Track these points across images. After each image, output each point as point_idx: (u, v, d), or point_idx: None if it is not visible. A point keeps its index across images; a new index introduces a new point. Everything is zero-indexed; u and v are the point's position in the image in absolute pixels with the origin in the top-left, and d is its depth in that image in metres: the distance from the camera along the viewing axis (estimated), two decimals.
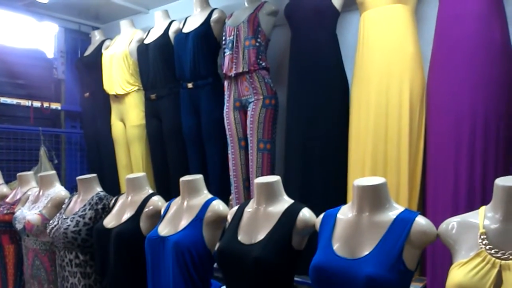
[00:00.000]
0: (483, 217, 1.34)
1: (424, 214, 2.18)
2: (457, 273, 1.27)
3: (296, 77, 2.59)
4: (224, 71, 2.78)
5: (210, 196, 2.03)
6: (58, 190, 2.62)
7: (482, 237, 1.30)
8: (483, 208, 1.38)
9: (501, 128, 2.00)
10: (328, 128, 2.47)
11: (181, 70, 3.02)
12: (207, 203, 1.96)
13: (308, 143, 2.49)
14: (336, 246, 1.50)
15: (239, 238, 1.74)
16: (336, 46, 2.53)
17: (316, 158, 2.47)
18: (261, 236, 1.70)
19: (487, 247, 1.27)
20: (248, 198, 2.74)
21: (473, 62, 2.01)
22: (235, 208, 1.90)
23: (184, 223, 1.94)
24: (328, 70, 2.48)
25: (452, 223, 1.41)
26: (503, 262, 1.22)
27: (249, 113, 2.71)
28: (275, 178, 1.81)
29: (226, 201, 2.83)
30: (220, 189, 2.89)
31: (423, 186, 2.22)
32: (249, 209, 1.83)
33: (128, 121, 3.40)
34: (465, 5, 2.03)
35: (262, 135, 2.67)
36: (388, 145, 2.24)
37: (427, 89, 2.21)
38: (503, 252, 1.24)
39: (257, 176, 2.64)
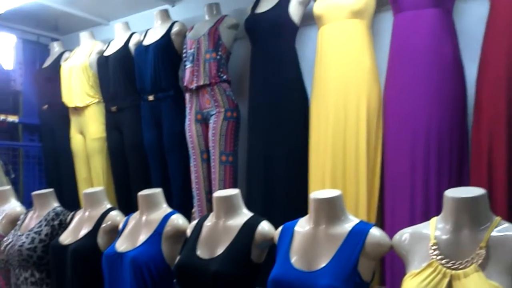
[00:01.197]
0: (434, 228, 1.38)
1: (382, 224, 2.23)
2: (409, 284, 1.30)
3: (256, 90, 2.60)
4: (185, 84, 2.77)
5: (169, 210, 2.01)
6: (14, 205, 2.55)
7: (433, 247, 1.33)
8: (434, 219, 1.42)
9: (454, 140, 2.06)
10: (289, 141, 2.48)
11: (141, 82, 3.00)
12: (166, 217, 1.94)
13: (270, 156, 2.51)
14: (294, 259, 1.52)
15: (198, 252, 1.73)
16: (295, 59, 2.56)
17: (277, 170, 2.48)
18: (220, 250, 1.69)
19: (438, 258, 1.31)
20: (211, 211, 2.69)
21: (427, 77, 2.06)
22: (194, 222, 1.89)
23: (142, 238, 1.91)
24: (287, 83, 2.50)
25: (404, 234, 1.44)
26: (453, 272, 1.26)
27: (210, 125, 2.70)
28: (234, 191, 1.81)
29: (189, 215, 2.80)
30: (183, 203, 2.86)
31: (382, 197, 2.26)
32: (208, 223, 1.82)
33: (88, 134, 3.34)
34: (418, 21, 2.09)
35: (224, 147, 2.67)
36: (347, 158, 2.28)
37: (384, 102, 2.26)
38: (453, 262, 1.28)
39: (219, 189, 2.63)
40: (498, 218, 1.33)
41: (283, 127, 2.49)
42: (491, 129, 1.92)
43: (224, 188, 2.62)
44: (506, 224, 1.32)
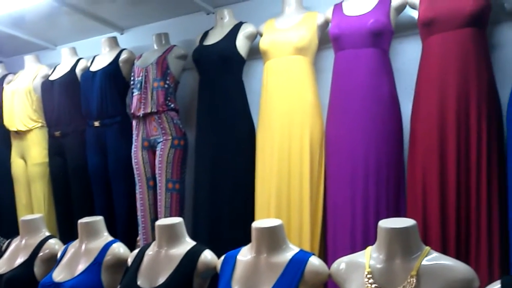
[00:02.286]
0: (369, 257, 1.44)
1: (325, 252, 2.28)
2: None
3: (203, 120, 2.64)
4: (132, 111, 2.77)
5: (110, 238, 1.98)
6: None
7: (368, 276, 1.38)
8: (369, 248, 1.48)
9: (391, 172, 2.16)
10: (235, 171, 2.52)
11: (87, 108, 2.96)
12: (107, 246, 1.90)
13: (216, 184, 2.52)
14: None
15: (138, 282, 1.71)
16: (242, 91, 2.63)
17: (224, 199, 2.50)
18: (161, 279, 1.68)
19: (373, 286, 1.36)
20: None
21: (365, 113, 2.17)
22: (136, 251, 1.87)
23: (81, 267, 1.87)
24: (234, 114, 2.56)
25: (341, 263, 1.50)
26: None
27: (157, 153, 2.70)
28: (177, 219, 1.81)
29: (134, 243, 2.76)
30: (127, 231, 2.82)
31: (325, 226, 2.32)
32: (150, 252, 1.80)
33: (30, 158, 3.23)
34: (357, 60, 2.20)
35: (171, 175, 2.67)
36: (291, 188, 2.33)
37: (326, 135, 2.35)
38: None
39: (165, 217, 2.62)
40: (427, 248, 1.40)
41: (229, 157, 2.52)
42: (424, 162, 2.03)
43: (170, 215, 2.61)
44: (435, 254, 1.40)
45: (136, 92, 2.75)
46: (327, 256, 2.27)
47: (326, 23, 2.42)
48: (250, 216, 2.44)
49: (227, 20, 2.70)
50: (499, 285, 1.27)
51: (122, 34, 3.34)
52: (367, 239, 2.07)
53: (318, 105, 2.42)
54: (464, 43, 1.97)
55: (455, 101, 1.97)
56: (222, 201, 2.51)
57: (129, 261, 1.85)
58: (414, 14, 2.19)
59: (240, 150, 2.54)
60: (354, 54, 2.20)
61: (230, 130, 2.54)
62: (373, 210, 2.12)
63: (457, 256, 1.90)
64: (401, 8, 2.26)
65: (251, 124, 2.62)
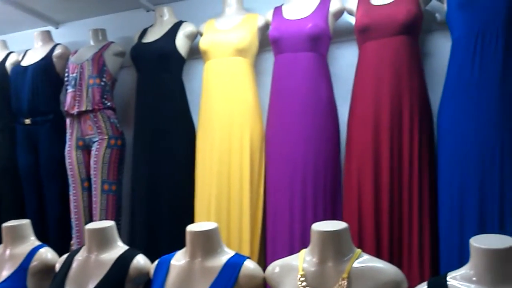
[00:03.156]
0: (302, 260, 1.44)
1: (265, 255, 2.29)
2: None
3: (142, 119, 2.57)
4: (66, 109, 2.66)
5: (37, 243, 1.88)
6: None
7: (301, 279, 1.39)
8: (303, 251, 1.49)
9: (329, 174, 2.20)
10: (174, 172, 2.47)
11: (18, 104, 2.81)
12: (33, 251, 1.81)
13: (154, 186, 2.47)
14: None
15: None
16: (182, 91, 2.59)
17: (162, 201, 2.46)
18: (91, 286, 1.61)
19: None
20: None
21: (304, 116, 2.19)
22: (64, 256, 1.78)
23: (5, 274, 1.76)
24: (173, 113, 2.51)
25: (276, 267, 1.50)
26: None
27: (93, 153, 2.61)
28: (108, 223, 1.75)
29: (67, 247, 2.65)
30: (60, 234, 2.72)
31: (265, 228, 2.33)
32: (79, 257, 1.73)
33: None
34: (296, 64, 2.22)
35: (107, 176, 2.59)
36: (232, 190, 2.32)
37: (266, 137, 2.36)
38: None
39: (101, 219, 2.54)
40: (358, 251, 1.43)
41: (168, 157, 2.48)
42: (360, 166, 2.08)
43: (106, 218, 2.54)
44: (366, 256, 1.42)
45: (70, 89, 2.65)
46: (266, 259, 2.27)
47: (266, 26, 2.43)
48: (190, 219, 2.40)
49: (167, 18, 2.65)
50: (426, 287, 1.31)
51: (57, 28, 3.20)
52: (305, 242, 2.08)
53: (258, 107, 2.42)
54: (397, 50, 2.03)
55: (388, 106, 2.03)
56: (160, 204, 2.46)
57: (57, 266, 1.76)
58: (352, 20, 2.24)
59: (179, 151, 2.50)
60: (293, 57, 2.22)
61: (169, 130, 2.49)
62: (311, 212, 2.14)
63: (391, 258, 1.96)
64: (339, 14, 2.31)
65: (191, 124, 2.58)
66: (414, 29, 2.08)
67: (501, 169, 1.81)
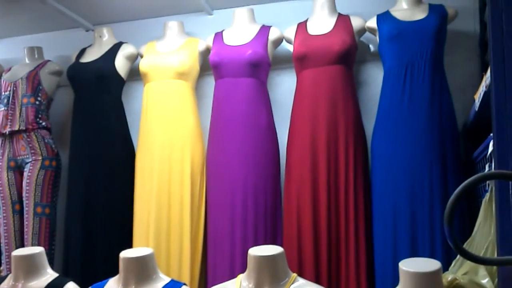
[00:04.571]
0: (239, 285, 1.44)
1: (205, 278, 2.27)
2: None
3: (78, 141, 2.50)
4: None
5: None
6: None
7: None
8: (240, 276, 1.49)
9: (269, 199, 2.23)
10: (111, 195, 2.41)
11: None
12: None
13: (90, 211, 2.40)
14: None
15: None
16: (121, 112, 2.55)
17: (99, 225, 2.39)
18: None
19: None
20: None
21: (244, 140, 2.22)
22: None
23: None
24: (111, 135, 2.47)
25: None
26: None
27: (25, 174, 2.51)
28: (37, 249, 1.67)
29: None
30: None
31: (205, 253, 2.31)
32: (5, 286, 1.64)
33: None
34: (236, 89, 2.26)
35: (40, 198, 2.49)
36: (172, 212, 2.29)
37: (207, 160, 2.36)
38: None
39: (33, 244, 2.42)
40: (294, 275, 1.45)
41: (105, 179, 2.42)
42: (299, 190, 2.13)
43: (39, 243, 2.43)
44: (301, 281, 1.44)
45: (2, 108, 2.55)
46: (207, 283, 2.25)
47: (207, 50, 2.45)
48: (128, 244, 2.33)
49: (106, 39, 2.62)
50: None
51: None
52: (246, 264, 2.09)
53: (199, 130, 2.43)
54: (333, 78, 2.12)
55: (325, 132, 2.10)
56: (97, 228, 2.38)
57: None
58: (291, 48, 2.31)
59: (117, 174, 2.44)
60: (233, 82, 2.25)
61: (107, 152, 2.44)
62: (251, 234, 2.15)
63: (329, 281, 2.01)
64: (277, 42, 2.37)
65: (130, 146, 2.53)
66: (349, 59, 2.17)
67: (430, 191, 1.92)
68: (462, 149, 2.08)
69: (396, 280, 1.37)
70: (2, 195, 2.55)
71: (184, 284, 1.54)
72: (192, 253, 2.28)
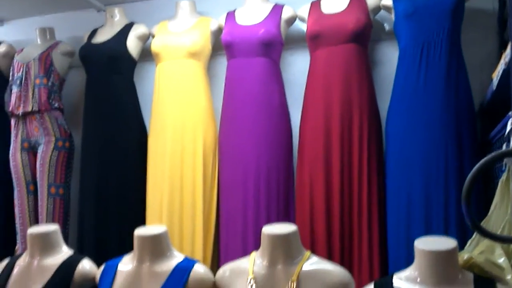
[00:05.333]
0: (253, 263, 1.45)
1: (218, 258, 2.28)
2: None
3: (91, 121, 2.50)
4: (10, 109, 2.56)
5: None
6: None
7: (251, 282, 1.39)
8: (253, 254, 1.49)
9: (282, 178, 2.22)
10: (125, 175, 2.42)
11: None
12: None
13: (103, 191, 2.41)
14: None
15: None
16: (133, 93, 2.54)
17: (112, 206, 2.40)
18: None
19: None
20: None
21: (256, 120, 2.21)
22: (5, 261, 1.71)
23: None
24: (124, 116, 2.46)
25: (226, 270, 1.50)
26: None
27: (39, 155, 2.53)
28: (52, 227, 1.69)
29: (12, 252, 2.53)
30: (4, 239, 2.62)
31: (218, 232, 2.32)
32: (21, 262, 1.66)
33: None
34: (249, 69, 2.24)
35: (53, 178, 2.50)
36: (184, 193, 2.29)
37: (219, 140, 2.35)
38: None
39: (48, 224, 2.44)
40: (308, 253, 1.45)
41: (118, 160, 2.42)
42: (311, 169, 2.12)
43: (53, 223, 2.42)
44: (315, 258, 1.44)
45: (15, 89, 2.55)
46: (219, 264, 2.25)
47: (219, 30, 2.42)
48: (141, 223, 2.35)
49: (118, 19, 2.60)
50: (372, 286, 1.35)
51: (1, 25, 3.08)
52: (258, 243, 2.10)
53: (211, 110, 2.42)
54: (347, 57, 2.09)
55: (339, 111, 2.08)
56: (110, 208, 2.39)
57: None
58: (304, 27, 2.27)
59: (130, 155, 2.44)
60: (245, 62, 2.24)
61: (119, 133, 2.43)
62: (264, 214, 2.15)
63: (341, 259, 2.01)
64: (291, 21, 2.34)
65: (143, 127, 2.53)
66: (364, 38, 2.14)
67: (445, 172, 1.89)
68: (478, 130, 2.05)
69: (409, 259, 1.36)
70: (16, 175, 2.57)
71: (198, 261, 1.54)
72: (205, 233, 2.28)
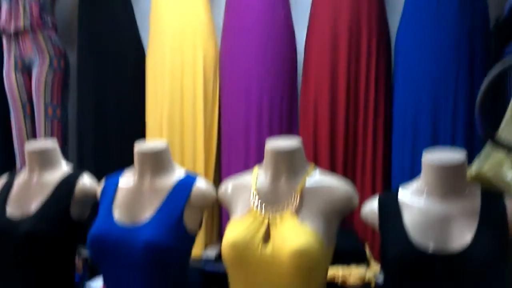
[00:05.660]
0: (255, 177, 1.41)
1: (219, 175, 2.28)
2: (230, 232, 1.32)
3: (86, 40, 2.42)
4: (1, 26, 2.45)
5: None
6: None
7: (254, 196, 1.36)
8: (256, 168, 1.46)
9: (285, 94, 2.18)
10: (123, 94, 2.38)
11: None
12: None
13: (102, 111, 2.37)
14: (116, 214, 1.44)
15: (7, 212, 1.55)
16: (129, 10, 2.44)
17: (110, 126, 2.38)
18: (34, 207, 1.54)
19: (258, 206, 1.33)
20: None
21: (260, 40, 2.13)
22: (4, 178, 1.69)
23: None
24: (121, 35, 2.39)
25: (228, 185, 1.47)
26: (271, 219, 1.29)
27: (34, 75, 2.46)
28: (51, 143, 1.65)
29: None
30: (2, 162, 2.62)
31: (220, 148, 2.31)
32: (20, 179, 1.63)
33: None
34: None
35: (50, 99, 2.45)
36: (184, 110, 2.26)
37: (220, 59, 2.28)
38: (272, 209, 1.32)
39: None
40: (312, 166, 1.41)
41: (116, 78, 2.38)
42: (317, 84, 2.08)
43: None
44: (318, 172, 1.40)
45: (5, 4, 2.44)
46: (221, 178, 2.26)
47: None
48: (141, 139, 2.33)
49: None
50: (377, 200, 1.33)
51: None
52: (260, 159, 2.09)
53: (212, 26, 2.33)
54: None
55: (346, 27, 2.01)
56: (109, 125, 2.38)
57: None
58: None
59: (127, 74, 2.40)
60: None
61: (116, 52, 2.38)
62: (266, 127, 2.13)
63: (344, 172, 2.00)
64: None
65: (140, 45, 2.45)
66: None
67: (455, 89, 1.84)
68: (492, 48, 1.96)
69: (414, 172, 1.34)
70: (11, 96, 2.52)
71: (200, 176, 1.52)
72: (206, 150, 2.27)
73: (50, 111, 2.45)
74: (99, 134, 2.37)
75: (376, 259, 2.05)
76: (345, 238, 2.00)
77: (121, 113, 2.37)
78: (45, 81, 2.43)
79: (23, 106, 2.52)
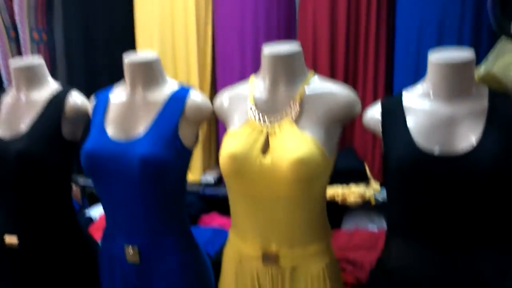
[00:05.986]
0: (252, 86, 1.34)
1: (215, 89, 2.24)
2: (228, 143, 1.27)
3: None
4: None
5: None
6: None
7: (251, 106, 1.30)
8: (252, 77, 1.38)
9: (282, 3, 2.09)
10: (112, 18, 2.29)
11: None
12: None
13: (90, 35, 2.28)
14: (110, 130, 1.38)
15: None
16: None
17: (100, 49, 2.29)
18: (23, 126, 1.48)
19: (256, 116, 1.27)
20: None
21: None
22: None
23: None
24: None
25: (224, 96, 1.40)
26: (270, 129, 1.24)
27: None
28: (37, 59, 1.56)
29: None
30: None
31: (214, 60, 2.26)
32: (8, 99, 1.56)
33: None
34: None
35: (35, 23, 2.32)
36: (176, 28, 2.17)
37: None
38: (270, 118, 1.26)
39: None
40: (311, 73, 1.33)
41: (105, 3, 2.26)
42: None
43: None
44: (318, 79, 1.33)
45: None
46: (216, 88, 2.24)
47: None
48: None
49: None
50: (379, 105, 1.27)
51: None
52: (257, 67, 2.04)
53: None
54: None
55: None
56: (98, 51, 2.27)
57: None
58: None
59: None
60: None
61: None
62: (263, 31, 2.04)
63: (345, 79, 1.94)
64: None
65: None
66: None
67: None
68: None
69: (419, 76, 1.27)
70: None
71: (194, 89, 1.45)
72: (200, 76, 2.20)
73: (36, 35, 2.35)
74: (89, 57, 2.28)
75: (375, 178, 2.04)
76: (344, 157, 1.98)
77: (109, 37, 2.28)
78: (28, 3, 2.30)
79: (7, 30, 2.42)
